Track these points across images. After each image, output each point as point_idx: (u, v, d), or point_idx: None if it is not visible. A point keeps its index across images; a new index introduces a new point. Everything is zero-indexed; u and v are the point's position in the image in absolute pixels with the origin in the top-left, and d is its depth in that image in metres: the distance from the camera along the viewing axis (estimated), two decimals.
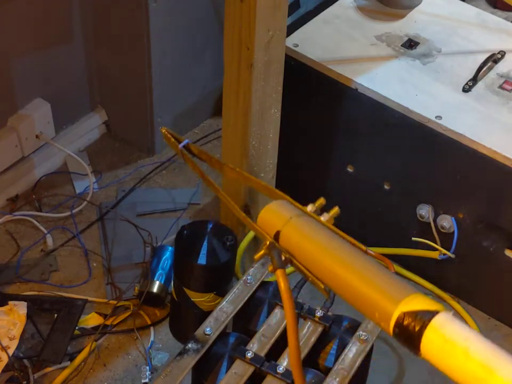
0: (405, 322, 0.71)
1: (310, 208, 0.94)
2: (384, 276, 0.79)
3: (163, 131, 1.13)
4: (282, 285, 0.86)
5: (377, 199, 1.98)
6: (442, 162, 1.84)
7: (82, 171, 2.21)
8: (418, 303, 0.72)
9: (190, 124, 2.41)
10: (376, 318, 0.74)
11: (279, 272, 0.86)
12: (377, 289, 0.76)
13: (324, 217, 0.92)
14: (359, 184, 2.00)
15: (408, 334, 0.70)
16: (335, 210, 0.93)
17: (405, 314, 0.71)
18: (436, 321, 0.70)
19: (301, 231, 0.87)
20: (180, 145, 1.08)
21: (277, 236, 0.87)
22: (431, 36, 2.02)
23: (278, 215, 0.90)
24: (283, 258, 0.88)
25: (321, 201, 0.93)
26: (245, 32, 1.58)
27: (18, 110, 2.10)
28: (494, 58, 1.94)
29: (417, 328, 0.70)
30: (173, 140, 1.08)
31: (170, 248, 1.95)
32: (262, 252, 0.89)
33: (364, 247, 0.89)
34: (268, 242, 0.88)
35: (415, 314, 0.71)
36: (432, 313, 0.70)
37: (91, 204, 2.14)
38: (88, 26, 2.14)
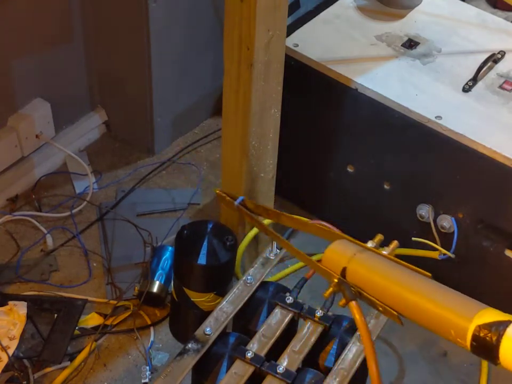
0: (481, 335, 0.77)
1: (370, 244, 1.00)
2: (452, 295, 0.86)
3: (217, 192, 1.22)
4: (358, 317, 0.92)
5: (377, 199, 1.98)
6: (442, 162, 1.84)
7: (82, 171, 2.21)
8: (490, 316, 0.78)
9: (190, 124, 2.41)
10: (453, 336, 0.80)
11: (352, 304, 0.92)
12: (449, 309, 0.83)
13: (385, 251, 0.98)
14: (359, 184, 2.00)
15: (486, 346, 0.76)
16: (394, 243, 1.00)
17: (480, 327, 0.77)
18: (511, 330, 0.75)
19: (366, 265, 0.93)
20: (236, 202, 1.17)
21: (343, 272, 0.93)
22: (431, 36, 2.02)
23: (342, 253, 0.96)
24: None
25: (380, 237, 1.00)
26: (245, 32, 1.58)
27: (18, 110, 2.10)
28: (494, 58, 1.94)
29: (494, 339, 0.75)
30: (228, 198, 1.16)
31: (170, 248, 1.95)
32: (331, 289, 0.96)
33: (428, 274, 0.95)
34: (335, 280, 0.94)
35: (489, 327, 0.76)
36: (506, 324, 0.76)
37: (91, 204, 2.14)
38: (88, 26, 2.14)
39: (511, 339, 0.74)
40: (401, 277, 0.91)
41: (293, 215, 1.13)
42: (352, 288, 0.93)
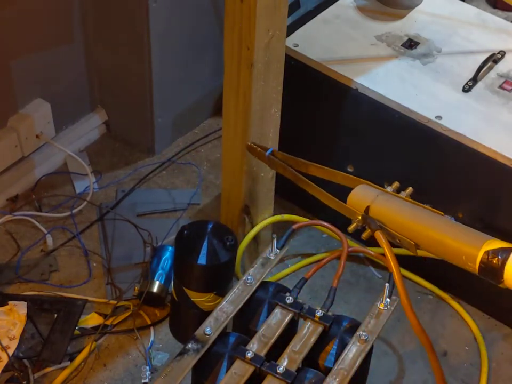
0: (490, 259, 0.94)
1: (388, 188, 1.16)
2: (464, 229, 1.02)
3: (248, 143, 1.37)
4: (384, 242, 1.07)
5: None
6: (442, 162, 1.84)
7: (82, 171, 2.21)
8: (496, 244, 0.94)
9: (190, 124, 2.41)
10: (464, 260, 0.97)
11: (378, 232, 1.09)
12: (462, 238, 0.99)
13: (402, 194, 1.13)
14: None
15: (492, 268, 0.93)
16: (409, 189, 1.16)
17: (488, 253, 0.94)
18: None
19: (387, 204, 1.09)
20: (267, 153, 1.30)
21: (367, 210, 1.08)
22: (431, 36, 2.02)
23: (365, 195, 1.12)
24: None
25: (396, 184, 1.16)
26: (245, 32, 1.58)
27: (19, 110, 2.10)
28: (494, 58, 1.94)
29: (499, 262, 0.92)
30: (259, 149, 1.31)
31: (170, 248, 1.95)
32: (355, 224, 1.12)
33: (441, 212, 1.11)
34: (359, 217, 1.08)
35: (496, 252, 0.95)
36: (510, 250, 0.92)
37: (91, 204, 2.14)
38: (88, 26, 2.14)
39: None
40: (418, 214, 1.06)
41: (321, 165, 1.27)
42: (376, 220, 1.07)
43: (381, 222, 1.07)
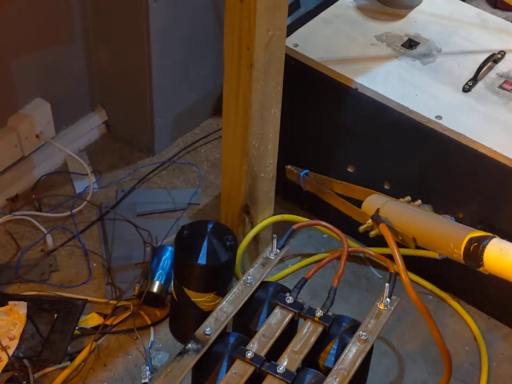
0: (473, 244, 1.09)
1: (400, 199, 1.36)
2: (454, 224, 1.19)
3: (287, 167, 1.62)
4: (387, 230, 1.26)
5: None
6: (442, 162, 1.84)
7: (82, 171, 2.21)
8: (478, 233, 1.11)
9: (190, 124, 2.41)
10: (451, 248, 1.13)
11: (383, 224, 1.27)
12: (450, 229, 1.16)
13: (403, 200, 1.34)
14: (359, 184, 2.00)
15: (474, 253, 1.09)
16: (418, 201, 1.37)
17: (472, 239, 1.10)
18: (493, 241, 1.09)
19: (394, 206, 1.29)
20: (301, 174, 1.56)
21: (377, 211, 1.28)
22: (431, 36, 2.02)
23: (377, 200, 1.32)
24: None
25: (408, 198, 1.36)
26: (245, 32, 1.58)
27: (19, 109, 2.10)
28: (494, 58, 1.94)
29: (481, 247, 1.08)
30: (295, 171, 1.56)
31: (170, 248, 1.95)
32: (366, 225, 1.31)
33: (438, 214, 1.31)
34: (370, 218, 1.29)
35: (478, 239, 1.09)
36: (490, 237, 1.09)
37: (91, 203, 2.14)
38: (88, 26, 2.14)
39: (491, 248, 1.07)
40: (417, 214, 1.26)
41: (342, 181, 1.51)
42: (383, 218, 1.27)
43: (387, 220, 1.27)
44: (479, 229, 1.83)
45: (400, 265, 1.27)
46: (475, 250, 1.09)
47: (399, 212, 1.28)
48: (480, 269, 1.09)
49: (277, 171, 1.88)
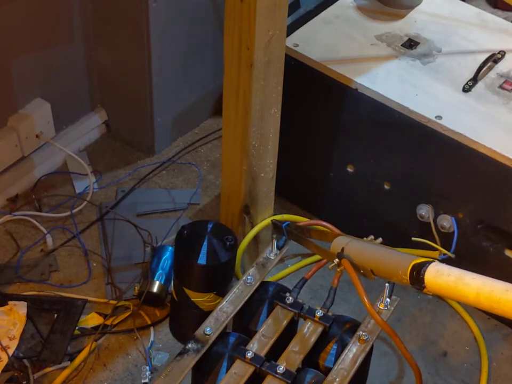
0: (415, 271, 1.20)
1: (364, 239, 1.47)
2: (404, 255, 1.29)
3: (271, 220, 1.75)
4: (348, 265, 1.38)
5: (377, 199, 1.98)
6: (442, 162, 1.84)
7: (82, 171, 2.21)
8: (420, 260, 1.21)
9: (190, 124, 2.41)
10: (400, 274, 1.24)
11: (344, 259, 1.39)
12: (399, 259, 1.28)
13: (367, 239, 1.47)
14: (359, 184, 2.00)
15: (417, 277, 1.19)
16: (379, 239, 1.47)
17: (415, 265, 1.21)
18: (431, 265, 1.18)
19: (356, 244, 1.42)
20: (283, 225, 1.64)
21: (342, 250, 1.41)
22: (431, 36, 2.02)
23: (342, 241, 1.45)
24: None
25: (371, 237, 1.47)
26: (245, 32, 1.58)
27: (18, 109, 2.10)
28: (494, 58, 1.94)
29: (421, 272, 1.18)
30: (278, 224, 1.66)
31: (170, 248, 1.95)
32: (333, 264, 1.42)
33: (391, 248, 1.41)
34: (336, 253, 1.42)
35: (420, 264, 1.19)
36: (429, 262, 1.19)
37: (91, 203, 2.14)
38: (88, 26, 2.14)
39: (430, 271, 1.17)
40: (373, 249, 1.39)
41: (323, 230, 1.61)
42: (346, 255, 1.40)
43: (349, 257, 1.39)
44: (478, 229, 1.85)
45: (362, 294, 1.36)
46: (417, 275, 1.19)
47: (359, 249, 1.41)
48: (424, 291, 1.19)
49: (277, 171, 1.88)
